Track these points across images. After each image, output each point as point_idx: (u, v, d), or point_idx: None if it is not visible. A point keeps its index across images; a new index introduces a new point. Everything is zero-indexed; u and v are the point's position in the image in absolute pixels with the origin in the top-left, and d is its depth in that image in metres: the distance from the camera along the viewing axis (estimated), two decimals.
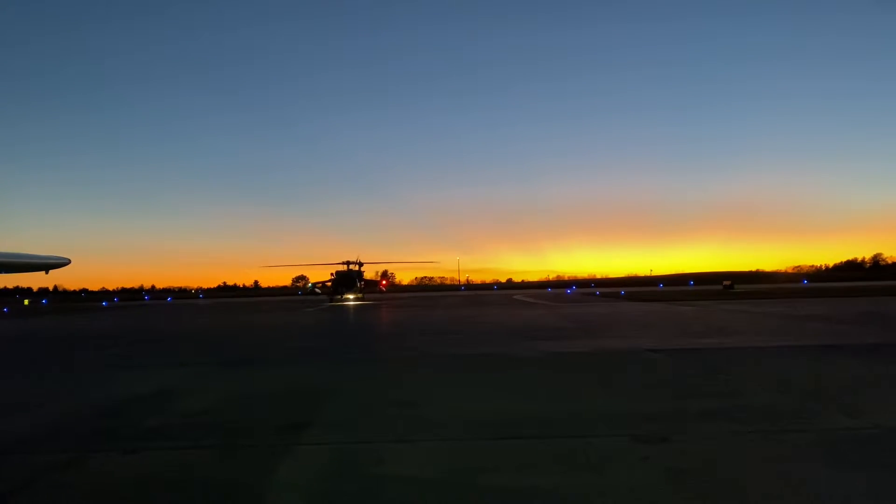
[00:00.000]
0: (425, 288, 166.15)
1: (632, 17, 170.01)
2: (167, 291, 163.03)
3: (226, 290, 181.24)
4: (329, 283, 56.51)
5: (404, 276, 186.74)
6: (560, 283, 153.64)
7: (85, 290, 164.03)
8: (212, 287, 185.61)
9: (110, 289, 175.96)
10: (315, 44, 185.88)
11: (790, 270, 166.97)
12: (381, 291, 69.24)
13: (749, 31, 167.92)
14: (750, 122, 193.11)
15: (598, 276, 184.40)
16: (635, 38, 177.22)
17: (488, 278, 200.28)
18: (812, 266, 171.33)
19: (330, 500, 4.00)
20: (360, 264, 58.28)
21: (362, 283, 58.36)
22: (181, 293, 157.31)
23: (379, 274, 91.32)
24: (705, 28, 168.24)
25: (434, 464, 4.69)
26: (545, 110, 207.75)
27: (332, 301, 51.13)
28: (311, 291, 65.63)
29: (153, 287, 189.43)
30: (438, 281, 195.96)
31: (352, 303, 47.11)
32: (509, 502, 3.85)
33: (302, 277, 63.17)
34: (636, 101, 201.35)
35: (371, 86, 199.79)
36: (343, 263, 57.32)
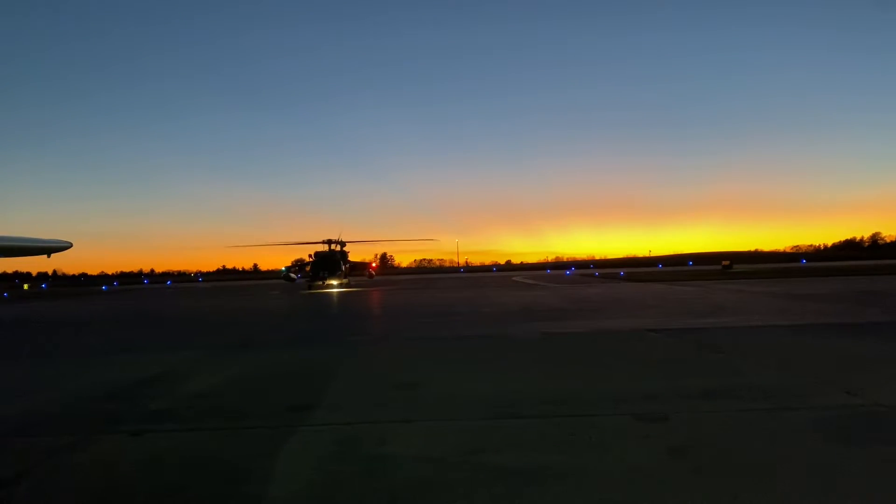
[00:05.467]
0: (423, 270, 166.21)
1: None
2: (166, 275, 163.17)
3: (225, 274, 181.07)
4: (307, 267, 48.24)
5: (403, 259, 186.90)
6: (559, 265, 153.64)
7: (84, 275, 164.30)
8: (210, 271, 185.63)
9: (109, 273, 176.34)
10: (307, 24, 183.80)
11: (789, 250, 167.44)
12: (369, 276, 60.80)
13: (746, 12, 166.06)
14: (749, 103, 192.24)
15: (597, 258, 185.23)
16: (632, 18, 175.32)
17: (487, 260, 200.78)
18: (811, 245, 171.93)
19: (334, 478, 4.03)
20: (343, 244, 50.77)
21: (347, 265, 50.54)
22: (181, 277, 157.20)
23: (378, 256, 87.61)
24: (702, 8, 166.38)
25: (436, 443, 4.72)
26: (542, 92, 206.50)
27: (311, 288, 43.98)
28: (286, 277, 52.05)
29: (152, 271, 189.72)
30: (437, 263, 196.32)
31: (335, 289, 41.51)
32: (511, 481, 3.88)
33: (300, 260, 54.00)
34: (634, 83, 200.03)
35: (369, 68, 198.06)
36: (325, 242, 49.43)
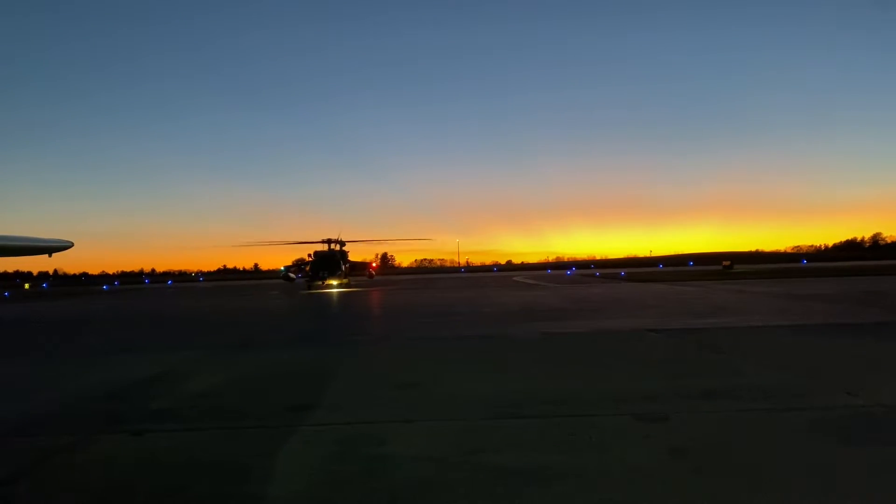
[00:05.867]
0: (424, 270, 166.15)
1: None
2: (167, 275, 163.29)
3: (225, 273, 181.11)
4: (307, 267, 46.76)
5: (403, 259, 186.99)
6: (559, 265, 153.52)
7: (85, 274, 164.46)
8: (211, 270, 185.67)
9: (110, 273, 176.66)
10: (306, 24, 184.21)
11: (789, 250, 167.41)
12: (370, 276, 59.66)
13: (747, 11, 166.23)
14: (749, 103, 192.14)
15: (598, 258, 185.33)
16: (631, 19, 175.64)
17: (488, 260, 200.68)
18: (811, 246, 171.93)
19: (335, 478, 4.03)
20: (342, 243, 49.68)
21: (347, 265, 49.17)
22: (181, 277, 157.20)
23: (378, 256, 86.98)
24: (703, 7, 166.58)
25: (436, 443, 4.73)
26: (542, 92, 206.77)
27: (310, 288, 43.19)
28: (285, 277, 50.76)
29: (153, 271, 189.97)
30: (438, 263, 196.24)
31: (335, 289, 40.69)
32: (511, 481, 3.88)
33: (301, 260, 52.12)
34: (634, 83, 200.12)
35: (369, 68, 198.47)
36: (324, 242, 48.64)
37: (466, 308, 19.66)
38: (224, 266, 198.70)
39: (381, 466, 4.23)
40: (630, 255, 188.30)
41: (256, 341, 12.48)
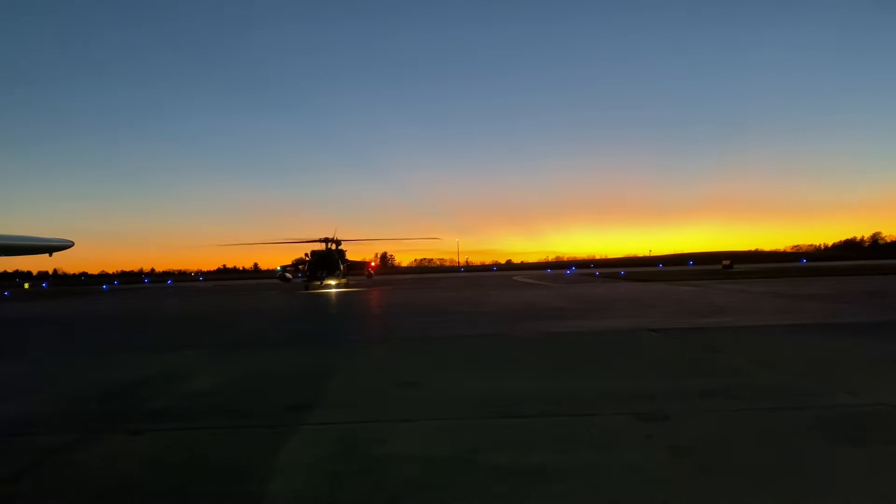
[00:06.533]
0: (424, 270, 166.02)
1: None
2: (167, 275, 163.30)
3: (225, 273, 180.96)
4: (304, 266, 46.33)
5: (403, 259, 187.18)
6: (559, 264, 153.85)
7: (85, 274, 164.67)
8: (211, 270, 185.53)
9: (110, 272, 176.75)
10: (307, 24, 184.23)
11: (789, 250, 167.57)
12: (368, 275, 58.87)
13: (747, 12, 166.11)
14: (749, 103, 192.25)
15: (598, 257, 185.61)
16: (632, 18, 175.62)
17: (487, 260, 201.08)
18: (811, 245, 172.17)
19: (335, 478, 4.03)
20: (338, 242, 48.97)
21: (345, 265, 48.56)
22: (181, 276, 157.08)
23: (378, 256, 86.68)
24: (703, 8, 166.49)
25: (436, 443, 4.73)
26: (543, 92, 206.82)
27: (308, 287, 42.90)
28: (282, 276, 50.67)
29: (153, 270, 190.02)
30: (438, 263, 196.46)
31: (333, 289, 40.29)
32: (511, 480, 3.87)
33: (301, 260, 51.61)
34: (634, 83, 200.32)
35: (370, 68, 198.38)
36: (322, 241, 48.13)
37: (466, 307, 19.65)
38: (224, 265, 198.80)
39: (381, 466, 4.23)
40: (630, 255, 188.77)
41: (256, 341, 12.48)
